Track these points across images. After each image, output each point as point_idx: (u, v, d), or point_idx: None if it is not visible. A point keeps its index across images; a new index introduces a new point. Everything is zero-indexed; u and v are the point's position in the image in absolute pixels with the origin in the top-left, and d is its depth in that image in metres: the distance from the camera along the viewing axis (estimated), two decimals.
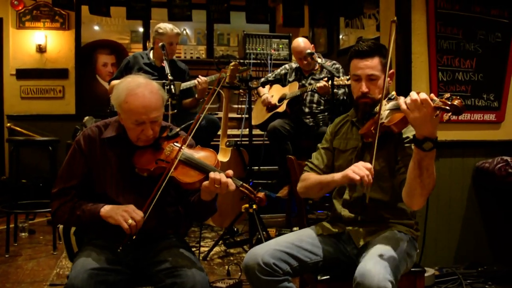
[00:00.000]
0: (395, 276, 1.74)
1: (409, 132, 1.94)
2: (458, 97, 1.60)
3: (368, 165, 1.83)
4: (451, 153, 3.26)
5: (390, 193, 2.02)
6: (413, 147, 1.73)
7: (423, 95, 1.61)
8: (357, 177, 1.80)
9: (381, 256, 1.79)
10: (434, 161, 1.71)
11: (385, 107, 1.92)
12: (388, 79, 2.07)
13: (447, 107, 1.58)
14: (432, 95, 1.64)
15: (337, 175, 1.97)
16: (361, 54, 2.03)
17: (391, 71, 2.09)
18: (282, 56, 5.51)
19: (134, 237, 1.81)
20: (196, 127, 1.96)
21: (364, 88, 2.03)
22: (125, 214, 1.81)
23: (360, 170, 1.81)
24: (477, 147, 3.32)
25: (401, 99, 1.69)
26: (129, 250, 1.89)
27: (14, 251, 3.87)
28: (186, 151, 1.93)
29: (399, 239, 1.94)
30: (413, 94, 1.64)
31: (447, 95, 1.62)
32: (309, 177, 2.14)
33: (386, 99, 1.97)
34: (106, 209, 1.86)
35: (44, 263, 3.57)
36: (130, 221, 1.79)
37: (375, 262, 1.75)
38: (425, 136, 1.66)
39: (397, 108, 1.88)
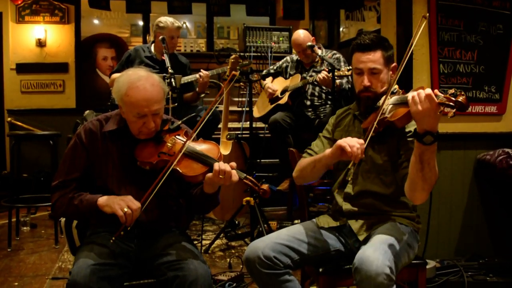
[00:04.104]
0: (394, 263, 1.74)
1: (411, 126, 1.93)
2: (462, 93, 1.58)
3: (361, 141, 1.83)
4: (452, 146, 3.25)
5: (392, 187, 2.02)
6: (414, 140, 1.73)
7: (428, 90, 1.62)
8: (348, 148, 1.81)
9: (381, 243, 1.80)
10: (435, 155, 1.71)
11: (388, 101, 1.91)
12: (390, 72, 2.06)
13: (452, 103, 1.57)
14: (436, 90, 1.64)
15: (328, 150, 1.97)
16: (363, 47, 2.02)
17: (393, 64, 2.08)
18: (283, 49, 5.50)
19: (129, 228, 1.77)
20: (203, 123, 1.94)
21: (366, 82, 2.02)
22: (122, 203, 1.79)
23: (352, 141, 1.82)
24: (478, 140, 3.31)
25: (410, 93, 1.70)
26: (130, 243, 1.89)
27: (16, 245, 3.89)
28: (188, 144, 1.93)
29: (401, 230, 1.94)
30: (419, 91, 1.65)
31: (452, 90, 1.61)
32: (304, 160, 2.15)
33: (390, 93, 1.96)
34: (103, 198, 1.85)
35: (46, 257, 3.59)
36: (126, 209, 1.76)
37: (374, 249, 1.76)
38: (425, 130, 1.65)
39: (400, 103, 1.87)
